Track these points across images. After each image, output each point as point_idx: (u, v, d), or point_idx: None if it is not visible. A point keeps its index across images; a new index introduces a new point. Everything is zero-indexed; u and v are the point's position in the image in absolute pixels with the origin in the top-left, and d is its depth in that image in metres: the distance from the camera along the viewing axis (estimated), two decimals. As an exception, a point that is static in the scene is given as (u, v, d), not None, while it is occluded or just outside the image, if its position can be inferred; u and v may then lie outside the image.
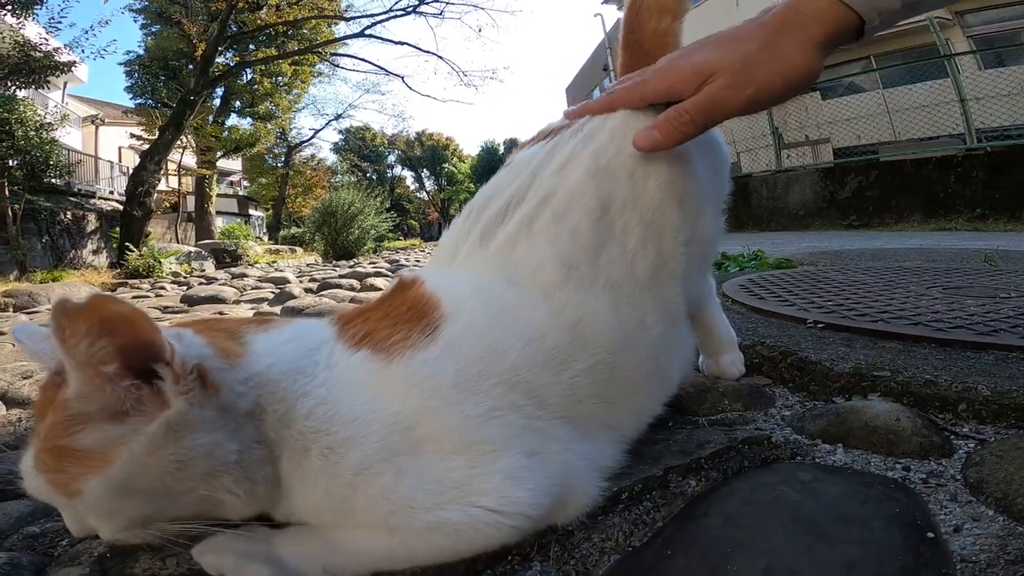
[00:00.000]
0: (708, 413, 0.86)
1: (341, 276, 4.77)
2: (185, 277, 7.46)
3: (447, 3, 13.21)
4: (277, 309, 2.90)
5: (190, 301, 3.56)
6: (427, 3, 13.00)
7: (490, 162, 36.28)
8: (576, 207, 0.63)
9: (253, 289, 4.28)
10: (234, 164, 24.13)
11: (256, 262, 11.37)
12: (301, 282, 4.62)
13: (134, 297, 4.41)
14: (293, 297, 3.29)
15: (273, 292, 3.84)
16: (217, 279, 6.42)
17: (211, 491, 0.47)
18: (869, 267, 2.25)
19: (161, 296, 4.48)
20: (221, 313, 2.99)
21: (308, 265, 10.25)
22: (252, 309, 3.15)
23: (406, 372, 0.51)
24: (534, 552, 0.55)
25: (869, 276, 1.87)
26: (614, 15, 18.26)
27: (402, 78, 14.63)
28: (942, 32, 8.45)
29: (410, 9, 13.05)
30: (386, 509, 0.48)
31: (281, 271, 6.97)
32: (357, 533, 0.50)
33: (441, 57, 14.67)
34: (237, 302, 3.50)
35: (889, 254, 3.04)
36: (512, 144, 34.89)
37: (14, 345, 2.32)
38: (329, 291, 3.59)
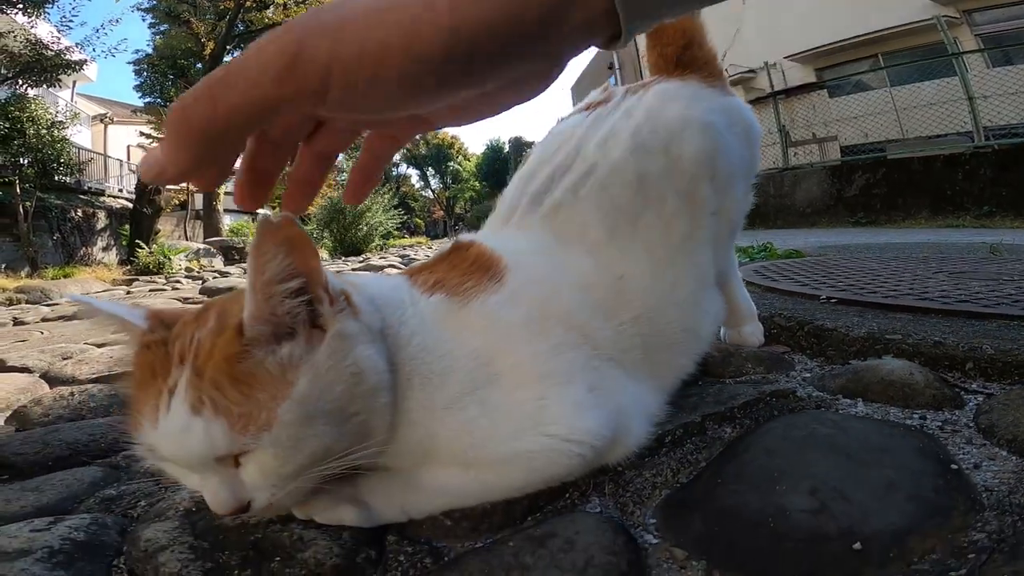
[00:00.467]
0: (733, 375, 0.92)
1: (354, 269, 4.83)
2: (198, 272, 7.53)
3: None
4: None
5: (209, 293, 3.63)
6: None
7: (495, 161, 36.26)
8: (617, 179, 0.70)
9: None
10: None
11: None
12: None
13: (151, 290, 4.47)
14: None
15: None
16: (230, 273, 6.49)
17: (369, 415, 0.49)
18: (877, 256, 2.29)
19: (178, 289, 4.55)
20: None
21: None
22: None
23: (481, 313, 0.57)
24: (590, 489, 0.60)
25: (877, 263, 1.92)
26: (619, 14, 18.17)
27: (408, 77, 14.63)
28: (949, 31, 8.45)
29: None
30: (468, 442, 0.53)
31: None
32: (435, 472, 0.55)
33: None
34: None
35: (897, 248, 3.07)
36: (518, 142, 34.83)
37: (42, 333, 2.39)
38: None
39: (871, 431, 0.64)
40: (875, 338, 0.94)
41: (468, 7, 0.32)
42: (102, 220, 10.74)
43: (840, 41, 10.22)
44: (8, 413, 1.16)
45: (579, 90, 23.40)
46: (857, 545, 0.46)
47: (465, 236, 0.70)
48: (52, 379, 1.38)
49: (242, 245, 11.72)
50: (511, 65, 0.35)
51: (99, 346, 1.74)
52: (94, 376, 1.36)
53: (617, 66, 18.44)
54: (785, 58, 11.05)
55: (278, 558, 0.49)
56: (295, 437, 0.45)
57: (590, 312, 0.63)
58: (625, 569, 0.46)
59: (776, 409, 0.76)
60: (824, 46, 10.54)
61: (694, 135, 0.73)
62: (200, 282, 5.09)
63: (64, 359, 1.56)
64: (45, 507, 0.69)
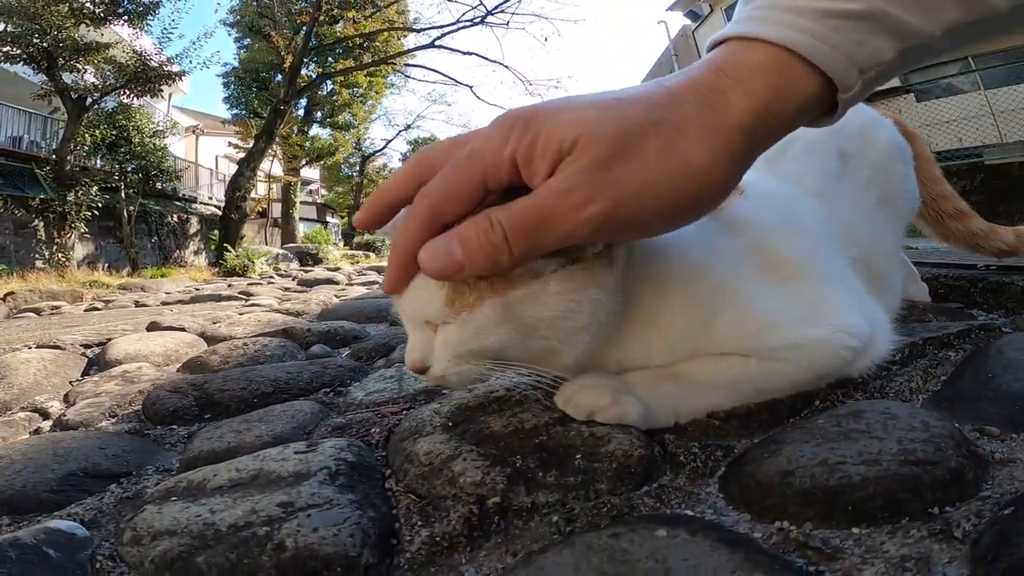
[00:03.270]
0: (916, 321, 0.90)
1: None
2: (285, 272, 7.89)
3: (513, 14, 13.43)
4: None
5: (308, 284, 3.79)
6: (494, 14, 13.24)
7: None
8: (819, 148, 0.75)
9: (359, 275, 4.49)
10: (312, 173, 25.24)
11: (337, 265, 11.86)
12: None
13: (250, 284, 4.70)
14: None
15: (380, 278, 4.02)
16: (312, 270, 6.76)
17: (561, 344, 0.49)
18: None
19: (273, 283, 4.77)
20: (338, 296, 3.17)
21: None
22: (366, 287, 3.31)
23: (736, 214, 0.57)
24: (849, 390, 0.59)
25: None
26: (679, 22, 17.98)
27: (470, 87, 14.93)
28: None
29: (477, 20, 13.33)
30: (751, 328, 0.52)
31: (372, 267, 7.24)
32: (707, 365, 0.54)
33: (507, 67, 14.92)
34: (350, 284, 3.69)
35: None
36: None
37: (171, 310, 2.54)
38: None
39: None
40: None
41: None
42: (194, 225, 11.44)
43: (927, 43, 9.77)
44: (178, 365, 1.23)
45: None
46: None
47: None
48: (210, 338, 1.47)
49: (315, 251, 12.20)
50: None
51: (241, 314, 1.83)
52: (252, 335, 1.43)
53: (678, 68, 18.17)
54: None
55: (578, 456, 0.48)
56: (482, 328, 0.47)
57: (828, 239, 0.64)
58: (960, 439, 0.45)
59: (992, 337, 0.75)
60: (909, 48, 10.10)
61: (886, 127, 0.84)
62: (290, 278, 5.32)
63: (215, 323, 1.65)
64: (281, 436, 0.68)
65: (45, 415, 0.96)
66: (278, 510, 0.45)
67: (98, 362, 1.30)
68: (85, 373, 1.26)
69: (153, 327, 1.66)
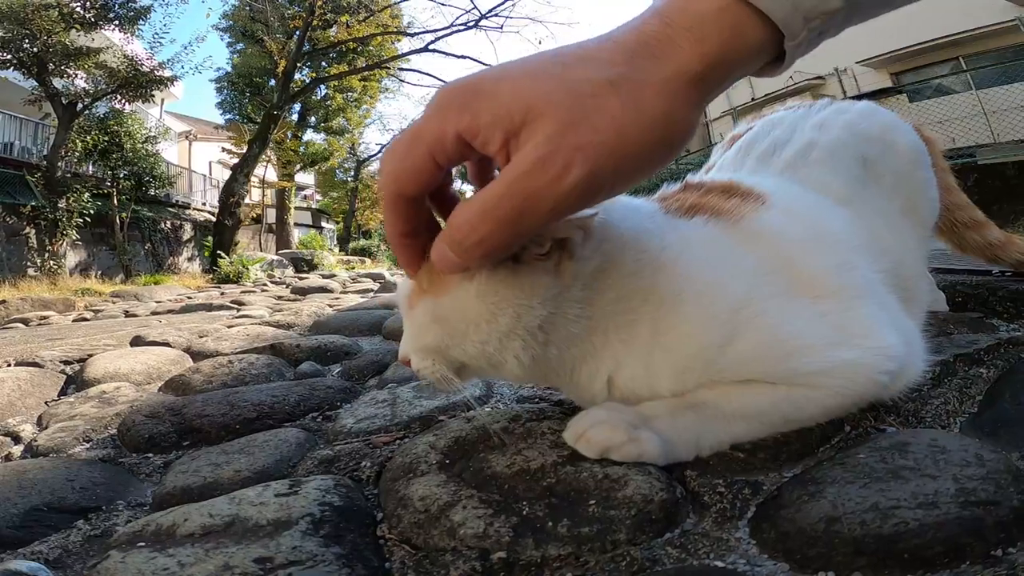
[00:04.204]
0: (939, 335, 0.85)
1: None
2: (279, 279, 7.81)
3: (507, 17, 13.40)
4: (386, 297, 2.99)
5: (302, 292, 3.73)
6: (487, 17, 13.20)
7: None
8: (841, 153, 0.72)
9: (354, 282, 4.43)
10: (307, 179, 25.18)
11: (332, 271, 11.82)
12: (394, 277, 4.75)
13: (243, 292, 4.63)
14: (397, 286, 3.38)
15: (375, 285, 3.96)
16: (308, 277, 6.70)
17: (497, 352, 0.48)
18: None
19: (267, 291, 4.70)
20: (332, 304, 3.11)
21: (388, 270, 10.56)
22: (360, 296, 3.25)
23: (758, 226, 0.53)
24: (880, 413, 0.55)
25: None
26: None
27: (466, 91, 14.86)
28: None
29: (471, 24, 13.29)
30: (778, 352, 0.47)
31: (368, 273, 7.18)
32: (731, 392, 0.49)
33: (503, 70, 14.85)
34: (345, 292, 3.63)
35: None
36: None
37: (160, 321, 2.48)
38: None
39: None
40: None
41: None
42: (187, 232, 11.35)
43: (916, 45, 9.85)
44: (160, 383, 1.17)
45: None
46: None
47: (693, 177, 0.67)
48: (196, 354, 1.41)
49: (311, 257, 12.13)
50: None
51: (229, 327, 1.77)
52: (238, 350, 1.38)
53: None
54: (857, 63, 10.73)
55: (592, 501, 0.43)
56: (420, 327, 0.49)
57: (857, 250, 0.59)
58: (1017, 472, 0.42)
59: (1021, 353, 0.72)
60: (899, 50, 10.16)
61: (907, 131, 0.80)
62: (285, 286, 5.26)
63: (201, 336, 1.59)
64: (263, 471, 0.63)
65: (16, 439, 0.91)
66: (255, 567, 0.40)
67: (77, 380, 1.24)
68: (63, 392, 1.20)
69: (137, 342, 1.60)
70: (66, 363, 1.38)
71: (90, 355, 1.37)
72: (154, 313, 3.08)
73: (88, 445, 0.84)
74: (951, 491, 0.39)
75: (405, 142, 0.40)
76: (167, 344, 1.52)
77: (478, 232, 0.39)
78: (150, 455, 0.77)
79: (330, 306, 2.59)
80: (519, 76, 0.38)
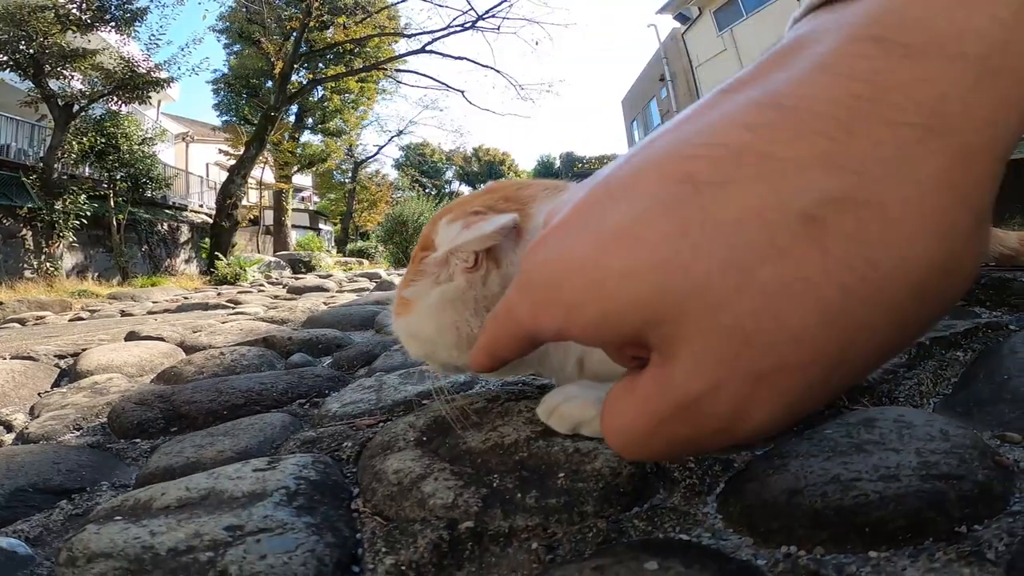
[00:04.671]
0: None
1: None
2: (276, 280, 7.82)
3: (504, 18, 13.38)
4: (380, 295, 3.00)
5: (297, 291, 3.74)
6: (484, 18, 13.20)
7: (546, 176, 36.14)
8: None
9: (350, 282, 4.44)
10: (305, 180, 25.17)
11: (329, 272, 11.81)
12: (391, 277, 4.76)
13: (240, 292, 4.64)
14: (394, 285, 3.39)
15: (371, 284, 3.97)
16: (305, 277, 6.71)
17: (460, 354, 0.50)
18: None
19: (263, 291, 4.71)
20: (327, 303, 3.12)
21: (385, 271, 10.58)
22: (356, 294, 3.26)
23: None
24: (855, 395, 0.57)
25: None
26: (668, 25, 18.04)
27: (462, 92, 14.87)
28: None
29: (468, 25, 13.28)
30: None
31: (364, 273, 7.19)
32: None
33: (499, 71, 14.86)
34: (340, 291, 3.64)
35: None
36: (569, 157, 34.76)
37: (156, 319, 2.49)
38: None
39: None
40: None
41: None
42: (185, 234, 11.35)
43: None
44: (152, 376, 1.18)
45: (630, 102, 23.16)
46: None
47: None
48: (189, 348, 1.42)
49: (308, 258, 12.14)
50: None
51: (223, 323, 1.78)
52: (231, 344, 1.38)
53: (669, 78, 18.19)
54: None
55: (561, 474, 0.44)
56: (406, 338, 0.53)
57: None
58: (983, 448, 0.42)
59: (1000, 336, 0.71)
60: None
61: None
62: (281, 286, 5.27)
63: (195, 331, 1.60)
64: (246, 451, 0.64)
65: (9, 427, 0.92)
66: (224, 534, 0.41)
67: (70, 373, 1.25)
68: (56, 384, 1.21)
69: (131, 337, 1.61)
70: (60, 357, 1.39)
71: (84, 350, 1.38)
72: (150, 312, 3.09)
73: (78, 432, 0.85)
74: (913, 464, 0.39)
75: (500, 315, 0.30)
76: (161, 339, 1.53)
77: (647, 448, 0.25)
78: (138, 440, 0.78)
79: (325, 304, 2.60)
80: (622, 240, 0.22)
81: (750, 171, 0.20)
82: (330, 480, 0.51)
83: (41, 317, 3.17)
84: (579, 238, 0.24)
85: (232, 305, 3.00)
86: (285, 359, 1.20)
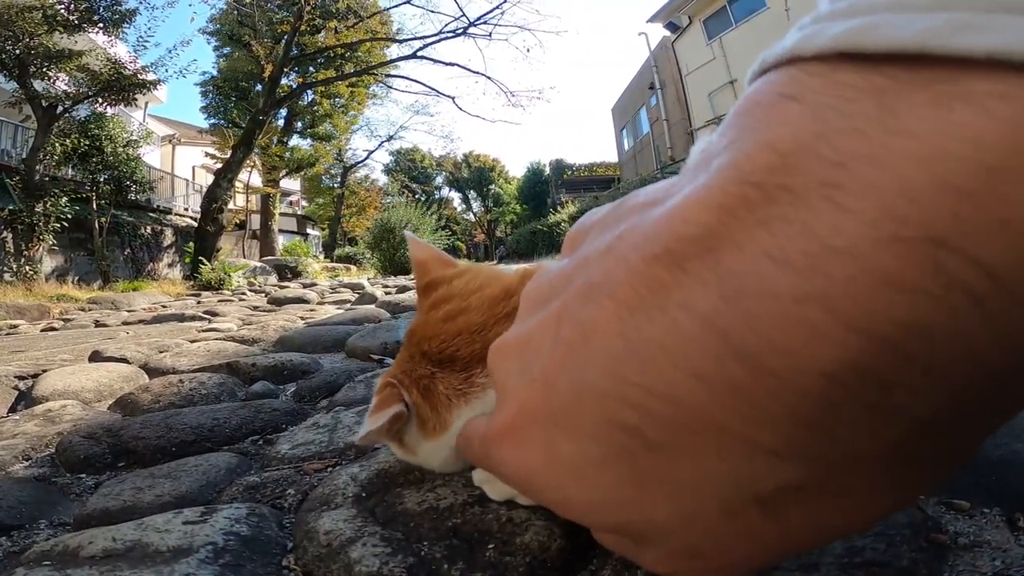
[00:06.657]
0: None
1: (411, 280, 4.86)
2: (260, 287, 7.76)
3: (495, 25, 13.43)
4: (359, 311, 2.98)
5: (278, 302, 3.70)
6: (476, 25, 13.24)
7: (536, 183, 36.30)
8: None
9: (333, 291, 4.41)
10: (293, 184, 25.06)
11: (316, 279, 11.71)
12: (375, 287, 4.73)
13: (220, 301, 4.59)
14: (375, 299, 3.37)
15: (353, 296, 3.94)
16: (288, 286, 6.65)
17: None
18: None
19: (244, 300, 4.67)
20: (308, 313, 3.09)
21: (370, 279, 10.51)
22: (337, 308, 3.24)
23: None
24: None
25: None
26: (659, 33, 18.23)
27: (452, 99, 14.89)
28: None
29: (460, 31, 13.31)
30: None
31: (350, 281, 7.15)
32: None
33: (490, 78, 14.86)
34: (321, 303, 3.61)
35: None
36: (559, 164, 34.82)
37: (128, 332, 2.45)
38: (408, 292, 3.66)
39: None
40: None
41: None
42: (169, 237, 11.21)
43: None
44: (111, 401, 1.16)
45: (620, 109, 23.29)
46: None
47: None
48: (152, 370, 1.39)
49: (295, 264, 12.04)
50: None
51: (192, 341, 1.76)
52: (195, 368, 1.37)
53: (659, 86, 18.33)
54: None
55: (491, 545, 0.43)
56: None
57: None
58: (920, 523, 0.40)
59: None
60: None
61: None
62: (263, 295, 5.22)
63: (160, 352, 1.58)
64: (185, 496, 0.63)
65: (-43, 459, 0.89)
66: (142, 595, 0.40)
67: (27, 397, 1.22)
68: (13, 409, 1.18)
69: (95, 357, 1.58)
70: (20, 378, 1.36)
71: (45, 370, 1.36)
72: (125, 323, 3.05)
73: (27, 463, 0.83)
74: (837, 551, 0.38)
75: None
76: (124, 360, 1.50)
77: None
78: (83, 476, 0.77)
79: (302, 318, 2.58)
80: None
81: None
82: (263, 535, 0.50)
83: (15, 326, 3.12)
84: (533, 454, 0.24)
85: (208, 318, 2.96)
86: (248, 386, 1.19)
